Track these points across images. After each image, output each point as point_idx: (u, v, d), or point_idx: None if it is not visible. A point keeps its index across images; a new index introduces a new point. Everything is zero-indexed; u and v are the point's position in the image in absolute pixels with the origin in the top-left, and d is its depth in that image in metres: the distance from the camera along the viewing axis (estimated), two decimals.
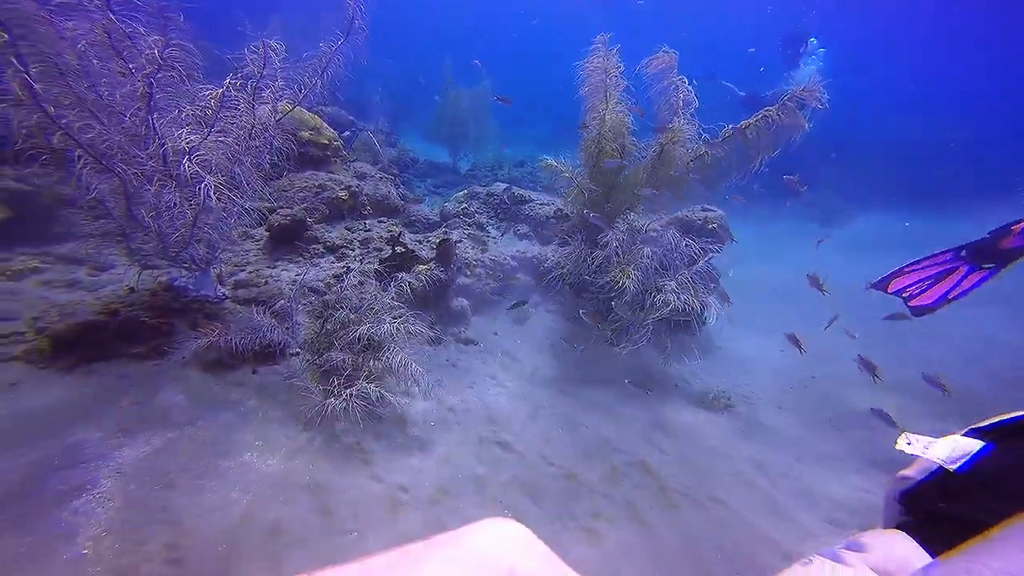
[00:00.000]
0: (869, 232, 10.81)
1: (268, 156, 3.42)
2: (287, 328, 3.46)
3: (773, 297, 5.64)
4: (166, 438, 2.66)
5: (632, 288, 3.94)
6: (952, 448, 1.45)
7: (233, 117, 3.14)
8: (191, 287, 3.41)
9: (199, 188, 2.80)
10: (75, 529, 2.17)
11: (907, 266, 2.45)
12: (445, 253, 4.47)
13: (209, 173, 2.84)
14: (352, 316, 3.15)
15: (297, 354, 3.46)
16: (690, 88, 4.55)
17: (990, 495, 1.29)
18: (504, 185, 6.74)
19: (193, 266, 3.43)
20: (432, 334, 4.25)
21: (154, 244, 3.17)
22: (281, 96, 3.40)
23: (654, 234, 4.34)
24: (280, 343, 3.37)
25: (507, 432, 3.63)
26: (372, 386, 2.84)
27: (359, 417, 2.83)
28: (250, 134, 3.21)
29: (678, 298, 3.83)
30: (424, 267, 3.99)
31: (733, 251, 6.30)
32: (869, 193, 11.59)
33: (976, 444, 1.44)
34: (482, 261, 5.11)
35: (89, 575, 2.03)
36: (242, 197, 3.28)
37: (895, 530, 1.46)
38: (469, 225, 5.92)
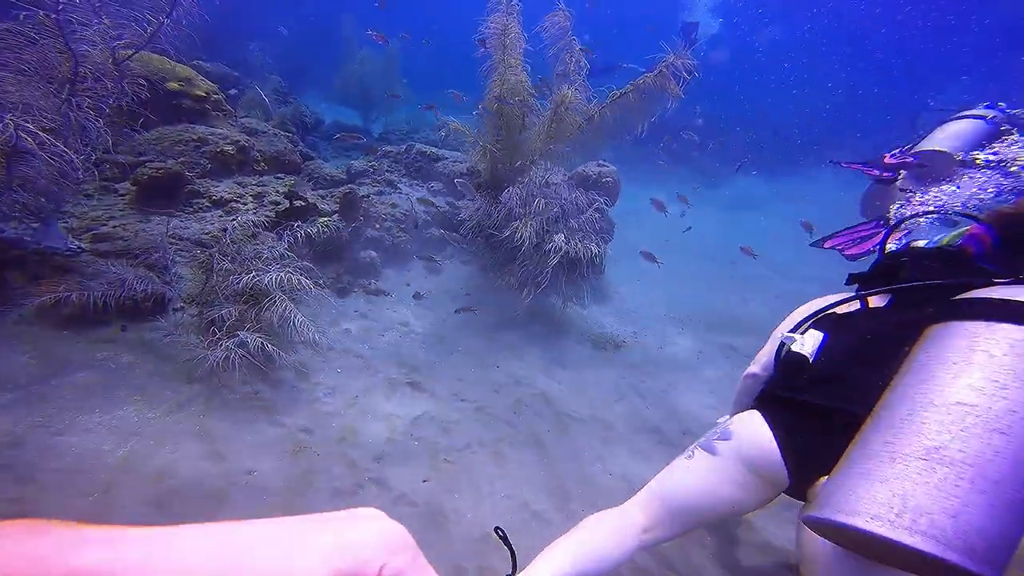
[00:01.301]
0: (742, 192, 12.44)
1: (111, 101, 2.80)
2: (166, 281, 2.97)
3: (660, 248, 6.10)
4: (5, 398, 2.16)
5: (530, 239, 3.99)
6: (812, 341, 1.61)
7: (29, 55, 2.49)
8: (27, 239, 2.73)
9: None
10: None
11: (839, 232, 2.94)
12: (349, 205, 4.12)
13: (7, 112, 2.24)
14: (237, 267, 2.77)
15: (181, 308, 3.00)
16: (583, 50, 4.55)
17: (825, 383, 1.43)
18: (417, 144, 6.35)
19: (28, 218, 2.75)
20: (340, 285, 3.97)
21: None
22: (119, 36, 2.79)
23: (552, 188, 4.39)
24: (157, 297, 2.88)
25: (418, 374, 3.56)
26: (254, 336, 2.55)
27: (243, 368, 2.55)
28: (74, 76, 2.57)
29: (568, 244, 3.95)
30: (325, 219, 3.64)
31: (627, 209, 6.67)
32: (741, 159, 13.28)
33: (819, 336, 1.61)
34: (392, 215, 4.82)
35: None
36: (86, 145, 2.67)
37: (753, 412, 1.60)
38: (378, 182, 5.52)
